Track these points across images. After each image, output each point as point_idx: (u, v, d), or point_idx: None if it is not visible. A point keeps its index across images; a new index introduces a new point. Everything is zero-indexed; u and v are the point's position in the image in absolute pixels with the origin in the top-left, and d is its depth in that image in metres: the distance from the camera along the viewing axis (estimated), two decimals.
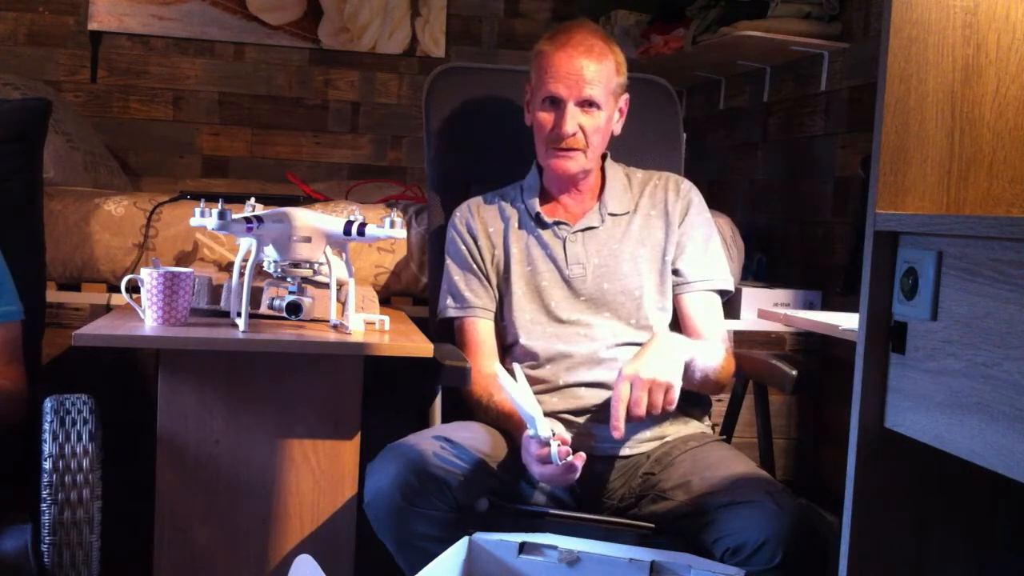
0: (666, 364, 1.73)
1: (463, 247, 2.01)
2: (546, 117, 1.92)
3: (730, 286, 2.01)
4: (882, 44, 1.18)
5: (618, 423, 1.71)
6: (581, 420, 1.87)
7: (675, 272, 1.98)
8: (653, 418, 1.88)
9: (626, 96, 2.00)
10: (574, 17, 3.67)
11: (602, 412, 1.87)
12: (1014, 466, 0.97)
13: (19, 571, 1.58)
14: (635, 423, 1.87)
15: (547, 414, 1.73)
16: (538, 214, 1.99)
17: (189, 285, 1.83)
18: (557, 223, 1.98)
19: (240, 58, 3.81)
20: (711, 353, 1.87)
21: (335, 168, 3.90)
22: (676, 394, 1.73)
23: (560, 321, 1.93)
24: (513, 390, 1.64)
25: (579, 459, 1.63)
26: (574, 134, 1.90)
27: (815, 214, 2.82)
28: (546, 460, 1.63)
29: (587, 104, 1.91)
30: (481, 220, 2.02)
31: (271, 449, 1.87)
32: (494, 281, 2.00)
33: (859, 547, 1.17)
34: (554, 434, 1.64)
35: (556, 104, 1.91)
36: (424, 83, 2.29)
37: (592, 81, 1.89)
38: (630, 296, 1.93)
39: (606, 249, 1.96)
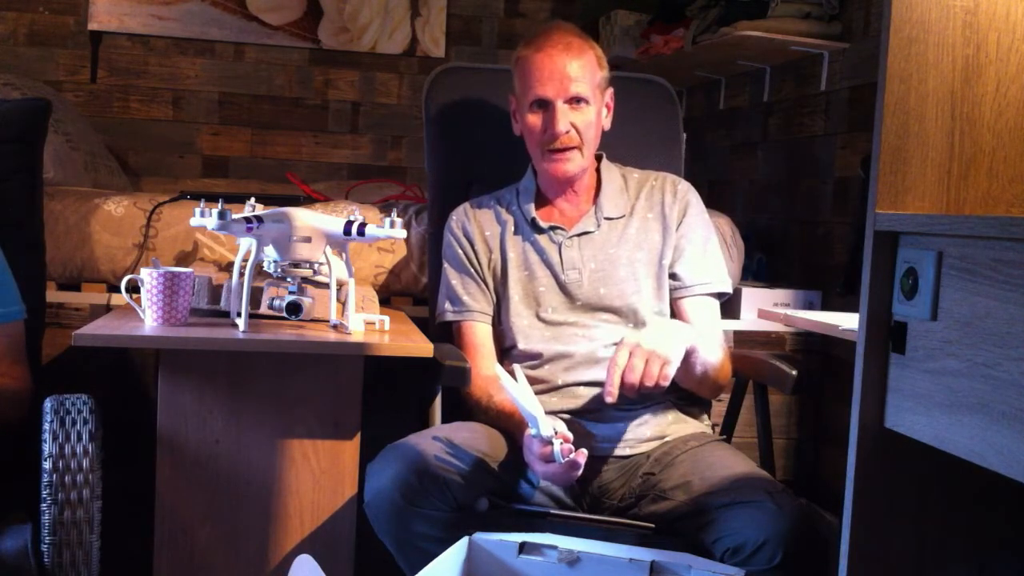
0: (668, 341, 1.71)
1: (459, 250, 2.01)
2: (536, 120, 1.92)
3: (728, 288, 2.00)
4: (882, 44, 1.18)
5: (612, 388, 1.68)
6: (581, 419, 1.87)
7: (673, 276, 1.97)
8: (651, 415, 1.88)
9: (611, 91, 2.00)
10: (573, 17, 3.70)
11: (602, 411, 1.87)
12: (1014, 466, 0.97)
13: (19, 571, 1.58)
14: (633, 424, 1.87)
15: (547, 414, 1.73)
16: (534, 219, 1.99)
17: (189, 285, 1.83)
18: (553, 228, 1.98)
19: (240, 58, 3.82)
20: (712, 349, 1.87)
21: (335, 168, 3.91)
22: (671, 371, 1.70)
23: (557, 324, 1.93)
24: (514, 390, 1.64)
25: (581, 456, 1.63)
26: (567, 132, 1.90)
27: (815, 214, 2.82)
28: (549, 459, 1.63)
29: (575, 101, 1.90)
30: (477, 223, 2.02)
31: (271, 449, 1.87)
32: (491, 284, 1.99)
33: (859, 547, 1.17)
34: (556, 432, 1.64)
35: (544, 106, 1.91)
36: (424, 83, 2.29)
37: (576, 78, 1.89)
38: (627, 300, 1.93)
39: (602, 254, 1.96)
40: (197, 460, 1.85)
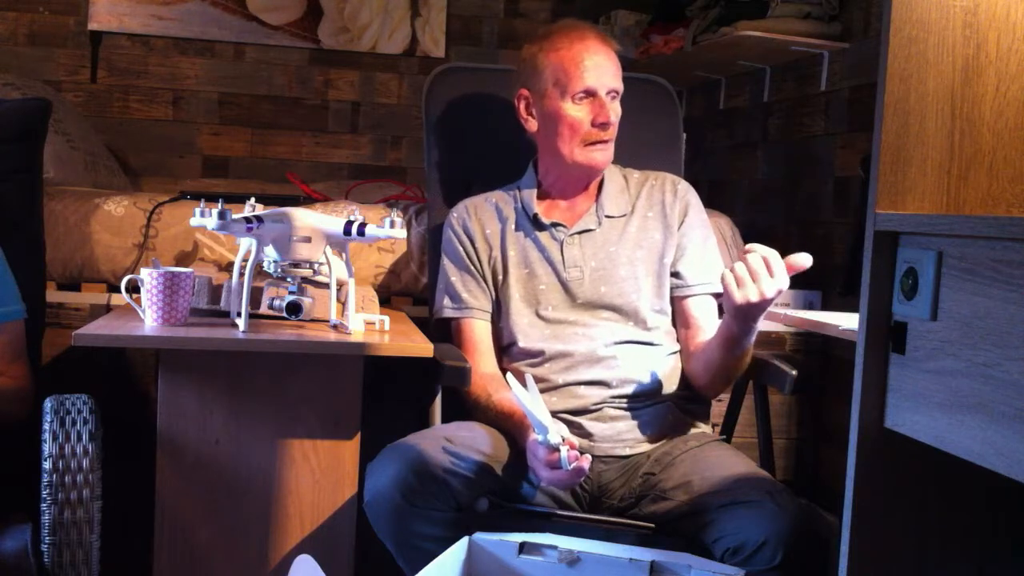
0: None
1: (460, 247, 2.01)
2: (580, 112, 1.91)
3: None
4: (882, 44, 1.18)
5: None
6: (581, 419, 1.87)
7: (675, 275, 1.97)
8: (651, 415, 1.89)
9: None
10: (573, 17, 3.68)
11: (602, 411, 1.87)
12: (1014, 466, 0.97)
13: (19, 571, 1.58)
14: (633, 424, 1.87)
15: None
16: (536, 216, 1.99)
17: (189, 285, 1.83)
18: (554, 225, 1.98)
19: (240, 58, 3.81)
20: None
21: (335, 168, 3.90)
22: (782, 284, 1.67)
23: (558, 322, 1.93)
24: (524, 398, 1.64)
25: (585, 462, 1.64)
26: (614, 122, 1.92)
27: (815, 214, 2.82)
28: (555, 466, 1.63)
29: (613, 94, 1.92)
30: (478, 221, 2.02)
31: (271, 449, 1.87)
32: (491, 282, 1.99)
33: (859, 547, 1.17)
34: (563, 439, 1.64)
35: (589, 97, 1.91)
36: (424, 83, 2.29)
37: (616, 73, 1.93)
38: (627, 299, 1.93)
39: (603, 252, 1.96)
40: (197, 460, 1.85)
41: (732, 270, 1.67)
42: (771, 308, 1.71)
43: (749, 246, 1.69)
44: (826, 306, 2.62)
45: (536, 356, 1.92)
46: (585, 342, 1.90)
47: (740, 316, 1.72)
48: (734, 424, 2.07)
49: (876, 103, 1.19)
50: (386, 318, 1.93)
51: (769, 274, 1.65)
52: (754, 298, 1.66)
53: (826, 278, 2.67)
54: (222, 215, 1.77)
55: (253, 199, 2.00)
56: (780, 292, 1.67)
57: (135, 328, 1.78)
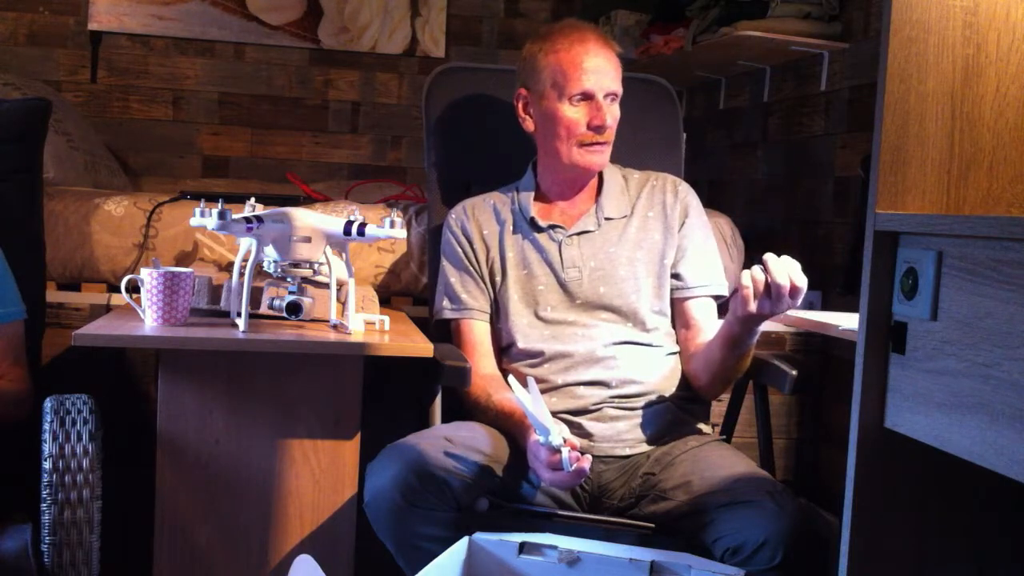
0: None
1: (458, 248, 2.01)
2: (576, 114, 1.91)
3: (725, 292, 2.00)
4: (882, 44, 1.18)
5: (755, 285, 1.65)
6: (581, 419, 1.87)
7: (676, 276, 1.97)
8: (651, 415, 1.89)
9: None
10: (574, 17, 3.68)
11: (601, 411, 1.87)
12: (1014, 466, 0.97)
13: (19, 571, 1.58)
14: (633, 424, 1.87)
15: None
16: (533, 218, 1.99)
17: (189, 285, 1.83)
18: (552, 227, 1.98)
19: (240, 58, 3.81)
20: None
21: (335, 168, 3.90)
22: (801, 285, 1.66)
23: (557, 323, 1.93)
24: (525, 399, 1.64)
25: (586, 462, 1.64)
26: (611, 125, 1.92)
27: (815, 214, 2.82)
28: (557, 467, 1.63)
29: (611, 96, 1.92)
30: (476, 222, 2.02)
31: (271, 449, 1.87)
32: (488, 283, 1.99)
33: (859, 547, 1.17)
34: (564, 440, 1.65)
35: (586, 99, 1.91)
36: (424, 83, 2.29)
37: (616, 75, 1.92)
38: (627, 300, 1.93)
39: (602, 253, 1.96)
40: (197, 460, 1.85)
41: (758, 284, 1.65)
42: None
43: (770, 258, 1.66)
44: (826, 306, 2.62)
45: (536, 357, 1.92)
46: (584, 342, 1.90)
47: (747, 320, 1.72)
48: (734, 424, 2.07)
49: (876, 103, 1.19)
50: (386, 318, 1.93)
51: (791, 300, 1.65)
52: (765, 311, 1.66)
53: (826, 278, 2.67)
54: (222, 215, 1.77)
55: (253, 199, 2.00)
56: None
57: (135, 328, 1.78)
